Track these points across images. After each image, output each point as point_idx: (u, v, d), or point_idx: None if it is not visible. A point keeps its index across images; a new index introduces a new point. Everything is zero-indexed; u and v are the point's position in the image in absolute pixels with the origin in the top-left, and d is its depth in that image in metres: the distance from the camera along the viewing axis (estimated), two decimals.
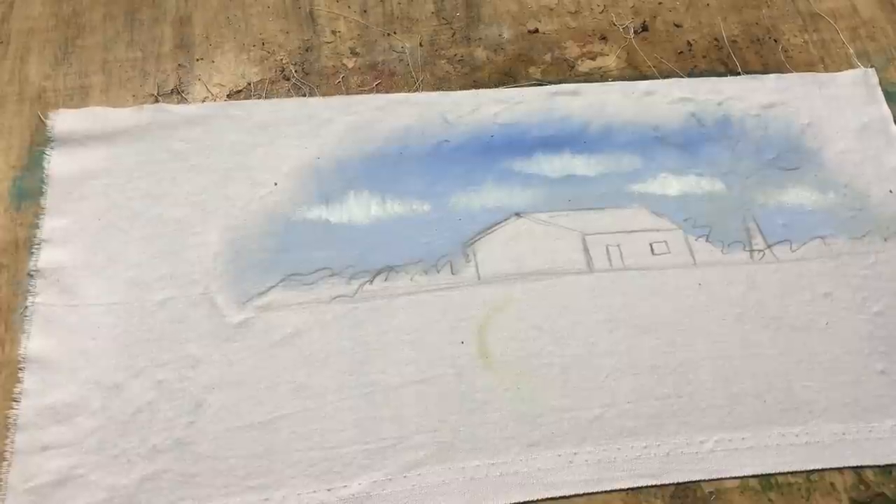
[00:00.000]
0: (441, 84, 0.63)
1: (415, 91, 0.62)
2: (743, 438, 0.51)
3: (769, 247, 0.58)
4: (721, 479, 0.50)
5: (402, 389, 0.51)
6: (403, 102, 0.61)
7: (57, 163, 0.56)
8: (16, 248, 0.54)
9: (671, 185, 0.60)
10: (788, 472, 0.50)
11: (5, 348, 0.51)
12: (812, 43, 0.68)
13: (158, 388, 0.50)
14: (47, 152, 0.57)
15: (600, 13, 0.68)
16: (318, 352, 0.52)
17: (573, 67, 0.65)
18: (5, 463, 0.47)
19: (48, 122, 0.58)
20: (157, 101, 0.60)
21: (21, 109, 0.59)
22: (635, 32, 0.67)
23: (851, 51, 0.67)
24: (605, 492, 0.49)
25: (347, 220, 0.56)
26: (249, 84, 0.62)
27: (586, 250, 0.57)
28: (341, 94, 0.62)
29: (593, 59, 0.65)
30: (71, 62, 0.61)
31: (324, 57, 0.64)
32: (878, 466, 0.51)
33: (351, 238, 0.56)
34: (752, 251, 0.57)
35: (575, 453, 0.50)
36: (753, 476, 0.50)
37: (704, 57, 0.66)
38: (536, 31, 0.67)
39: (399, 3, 0.67)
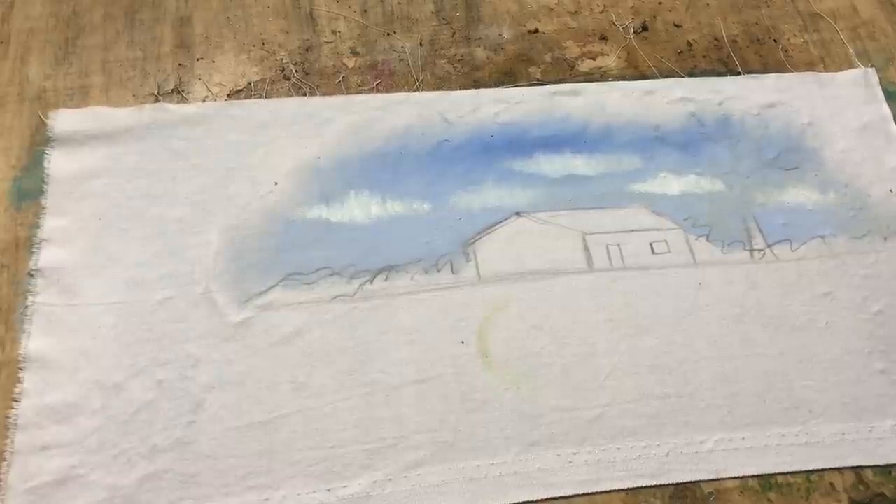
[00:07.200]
0: (441, 84, 0.63)
1: (415, 91, 0.62)
2: (743, 438, 0.51)
3: (769, 246, 0.58)
4: (721, 479, 0.50)
5: (402, 389, 0.51)
6: (403, 102, 0.61)
7: (57, 163, 0.56)
8: (16, 248, 0.54)
9: (671, 184, 0.60)
10: (788, 472, 0.50)
11: (5, 348, 0.51)
12: (812, 43, 0.68)
13: (159, 388, 0.50)
14: (47, 152, 0.57)
15: (600, 13, 0.68)
16: (319, 351, 0.52)
17: (573, 67, 0.65)
18: (5, 463, 0.47)
19: (48, 122, 0.58)
20: (157, 100, 0.60)
21: (21, 109, 0.59)
22: (635, 32, 0.67)
23: (851, 51, 0.67)
24: (605, 492, 0.49)
25: (348, 220, 0.56)
26: (249, 84, 0.62)
27: (586, 250, 0.57)
28: (341, 93, 0.62)
29: (593, 59, 0.65)
30: (71, 62, 0.61)
31: (324, 57, 0.64)
32: (878, 466, 0.51)
33: (351, 238, 0.56)
34: (752, 251, 0.57)
35: (575, 453, 0.50)
36: (753, 476, 0.50)
37: (704, 57, 0.66)
38: (536, 31, 0.66)
39: (399, 3, 0.67)
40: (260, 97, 0.61)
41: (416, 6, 0.67)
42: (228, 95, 0.61)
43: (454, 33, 0.66)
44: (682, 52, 0.66)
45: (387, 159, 0.59)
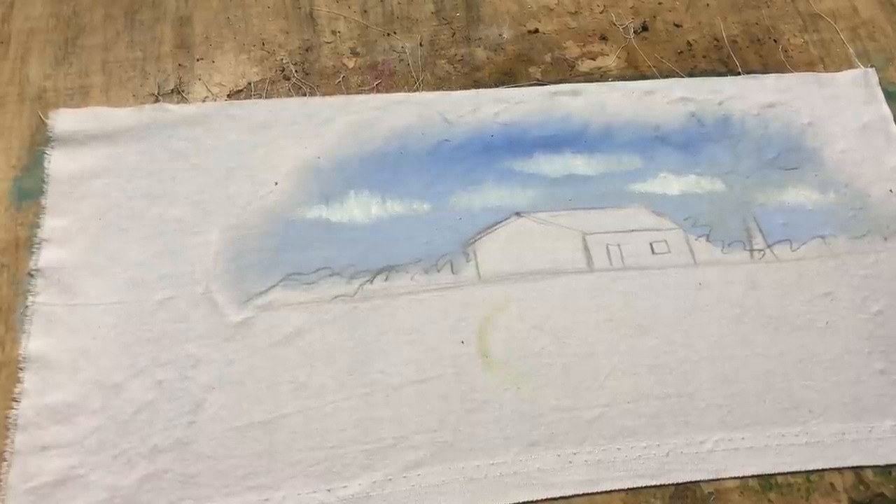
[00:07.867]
0: (441, 84, 0.63)
1: (415, 91, 0.62)
2: (743, 438, 0.51)
3: (769, 246, 0.58)
4: (721, 479, 0.50)
5: (402, 389, 0.51)
6: (403, 102, 0.61)
7: (57, 162, 0.56)
8: (16, 248, 0.54)
9: (671, 184, 0.60)
10: (788, 472, 0.50)
11: (5, 348, 0.51)
12: (812, 43, 0.68)
13: (159, 388, 0.50)
14: (47, 152, 0.57)
15: (600, 13, 0.68)
16: (319, 351, 0.52)
17: (573, 67, 0.65)
18: (5, 463, 0.47)
19: (48, 122, 0.58)
20: (157, 100, 0.60)
21: (21, 109, 0.59)
22: (635, 32, 0.67)
23: (851, 51, 0.67)
24: (605, 492, 0.49)
25: (348, 220, 0.56)
26: (249, 84, 0.62)
27: (586, 250, 0.57)
28: (341, 93, 0.62)
29: (593, 59, 0.65)
30: (71, 62, 0.61)
31: (324, 57, 0.64)
32: (878, 466, 0.51)
33: (351, 237, 0.56)
34: (752, 251, 0.57)
35: (575, 453, 0.50)
36: (753, 476, 0.50)
37: (704, 57, 0.66)
38: (536, 31, 0.67)
39: (399, 3, 0.67)
40: (260, 97, 0.61)
41: (416, 6, 0.67)
42: (228, 95, 0.61)
43: (454, 33, 0.66)
44: (682, 52, 0.66)
45: (386, 159, 0.59)
